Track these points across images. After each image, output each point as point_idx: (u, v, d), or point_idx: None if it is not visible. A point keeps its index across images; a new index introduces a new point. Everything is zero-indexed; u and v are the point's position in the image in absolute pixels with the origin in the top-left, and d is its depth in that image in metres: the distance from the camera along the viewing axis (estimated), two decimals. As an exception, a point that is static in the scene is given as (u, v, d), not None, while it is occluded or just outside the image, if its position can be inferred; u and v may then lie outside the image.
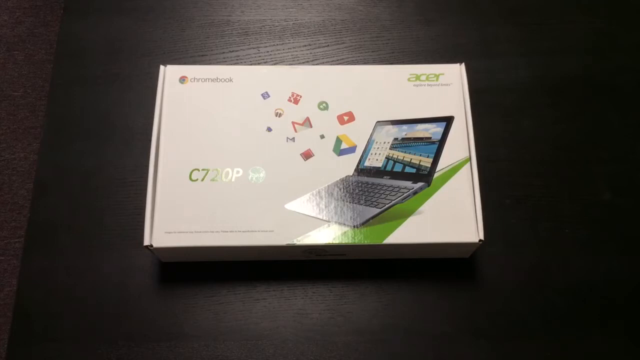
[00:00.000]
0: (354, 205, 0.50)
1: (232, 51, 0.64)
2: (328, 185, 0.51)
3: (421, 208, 0.50)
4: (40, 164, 0.58)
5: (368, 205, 0.50)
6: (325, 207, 0.50)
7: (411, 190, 0.50)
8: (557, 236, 0.56)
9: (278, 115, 0.53)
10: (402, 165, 0.52)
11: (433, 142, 0.52)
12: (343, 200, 0.50)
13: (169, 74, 0.55)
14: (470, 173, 0.51)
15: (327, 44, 0.64)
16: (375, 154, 0.52)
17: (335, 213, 0.50)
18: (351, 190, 0.51)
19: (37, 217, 0.56)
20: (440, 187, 0.50)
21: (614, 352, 0.52)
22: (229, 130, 0.53)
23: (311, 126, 0.53)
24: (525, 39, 0.64)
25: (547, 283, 0.54)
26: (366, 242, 0.49)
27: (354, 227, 0.49)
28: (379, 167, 0.52)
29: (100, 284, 0.54)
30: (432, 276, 0.54)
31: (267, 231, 0.49)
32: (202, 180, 0.51)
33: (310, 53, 0.64)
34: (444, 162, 0.51)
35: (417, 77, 0.55)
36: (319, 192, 0.50)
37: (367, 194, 0.51)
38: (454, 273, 0.54)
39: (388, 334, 0.52)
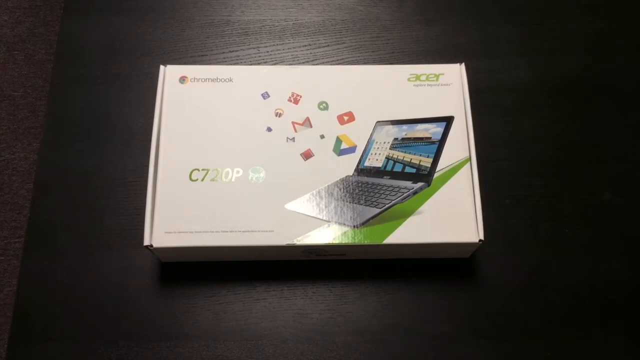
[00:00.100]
0: (354, 205, 0.50)
1: (232, 51, 0.64)
2: (328, 185, 0.51)
3: (421, 208, 0.50)
4: (40, 164, 0.58)
5: (368, 205, 0.50)
6: (325, 207, 0.50)
7: (411, 190, 0.50)
8: (557, 236, 0.56)
9: (278, 115, 0.53)
10: (402, 165, 0.52)
11: (433, 142, 0.52)
12: (343, 200, 0.50)
13: (169, 74, 0.55)
14: (470, 173, 0.51)
15: (327, 44, 0.64)
16: (375, 154, 0.52)
17: (335, 213, 0.50)
18: (351, 190, 0.51)
19: (37, 217, 0.56)
20: (440, 187, 0.50)
21: (614, 352, 0.52)
22: (229, 130, 0.53)
23: (311, 126, 0.53)
24: (525, 39, 0.64)
25: (547, 283, 0.54)
26: (366, 242, 0.49)
27: (354, 227, 0.49)
28: (379, 167, 0.52)
29: (100, 284, 0.54)
30: (432, 276, 0.54)
31: (267, 231, 0.49)
32: (202, 180, 0.51)
33: (310, 53, 0.64)
34: (444, 162, 0.51)
35: (417, 77, 0.55)
36: (319, 192, 0.50)
37: (367, 194, 0.51)
38: (454, 273, 0.54)
39: (388, 334, 0.52)
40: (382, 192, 0.51)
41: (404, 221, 0.49)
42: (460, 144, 0.52)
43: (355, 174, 0.52)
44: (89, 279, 0.54)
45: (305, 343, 0.52)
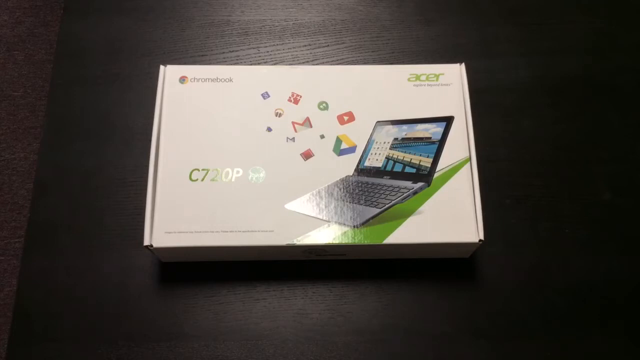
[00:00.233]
0: (354, 205, 0.50)
1: (232, 51, 0.64)
2: (328, 185, 0.51)
3: (421, 208, 0.50)
4: (40, 164, 0.58)
5: (368, 205, 0.50)
6: (325, 207, 0.50)
7: (411, 190, 0.50)
8: (557, 236, 0.56)
9: (278, 115, 0.53)
10: (402, 165, 0.52)
11: (433, 142, 0.52)
12: (343, 200, 0.50)
13: (169, 74, 0.55)
14: (470, 173, 0.51)
15: (327, 44, 0.64)
16: (375, 154, 0.52)
17: (335, 213, 0.50)
18: (351, 190, 0.51)
19: (37, 217, 0.56)
20: (440, 187, 0.50)
21: (614, 352, 0.52)
22: (229, 130, 0.53)
23: (311, 126, 0.53)
24: (525, 39, 0.64)
25: (547, 283, 0.54)
26: (366, 242, 0.49)
27: (354, 227, 0.49)
28: (379, 167, 0.52)
29: (100, 284, 0.54)
30: (432, 276, 0.54)
31: (267, 231, 0.49)
32: (202, 180, 0.51)
33: (310, 53, 0.64)
34: (444, 162, 0.51)
35: (417, 77, 0.55)
36: (319, 192, 0.50)
37: (367, 194, 0.51)
38: (454, 273, 0.54)
39: (388, 334, 0.52)
40: (382, 192, 0.51)
41: (404, 221, 0.49)
42: (460, 144, 0.52)
43: (355, 174, 0.52)
44: (89, 279, 0.54)
45: (305, 343, 0.52)
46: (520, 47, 0.64)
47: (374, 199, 0.50)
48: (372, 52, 0.64)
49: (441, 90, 0.54)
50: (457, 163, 0.51)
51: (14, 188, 1.12)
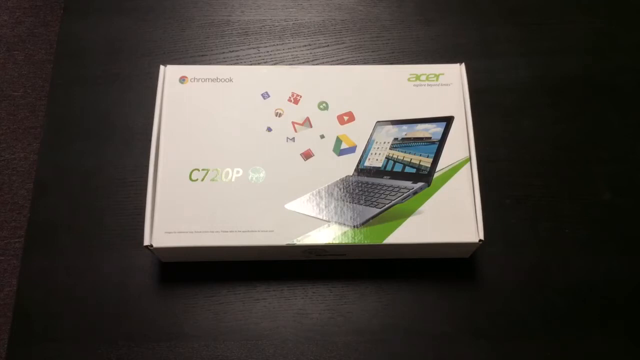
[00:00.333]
0: (354, 205, 0.50)
1: (232, 51, 0.64)
2: (328, 185, 0.51)
3: (421, 208, 0.50)
4: (40, 164, 0.58)
5: (368, 205, 0.50)
6: (325, 207, 0.50)
7: (411, 190, 0.50)
8: (557, 236, 0.56)
9: (278, 115, 0.53)
10: (402, 165, 0.52)
11: (433, 142, 0.52)
12: (343, 200, 0.50)
13: (169, 74, 0.55)
14: (470, 173, 0.51)
15: (327, 44, 0.64)
16: (375, 154, 0.52)
17: (335, 213, 0.50)
18: (351, 190, 0.51)
19: (37, 217, 0.56)
20: (440, 187, 0.50)
21: (614, 352, 0.52)
22: (229, 130, 0.53)
23: (311, 126, 0.53)
24: (525, 39, 0.64)
25: (547, 283, 0.54)
26: (366, 242, 0.49)
27: (354, 227, 0.49)
28: (379, 167, 0.52)
29: (100, 284, 0.54)
30: (432, 276, 0.54)
31: (267, 231, 0.49)
32: (202, 180, 0.51)
33: (310, 53, 0.64)
34: (444, 162, 0.51)
35: (417, 77, 0.55)
36: (319, 192, 0.50)
37: (367, 194, 0.51)
38: (454, 273, 0.54)
39: (388, 334, 0.52)
40: (382, 192, 0.51)
41: (404, 221, 0.49)
42: (460, 144, 0.52)
43: (355, 174, 0.52)
44: (89, 279, 0.54)
45: (305, 343, 0.52)
46: (520, 47, 0.64)
47: (374, 199, 0.50)
48: (372, 52, 0.64)
49: (441, 90, 0.54)
50: (457, 163, 0.51)
51: (14, 188, 1.12)
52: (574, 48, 0.64)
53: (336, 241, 0.49)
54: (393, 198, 0.50)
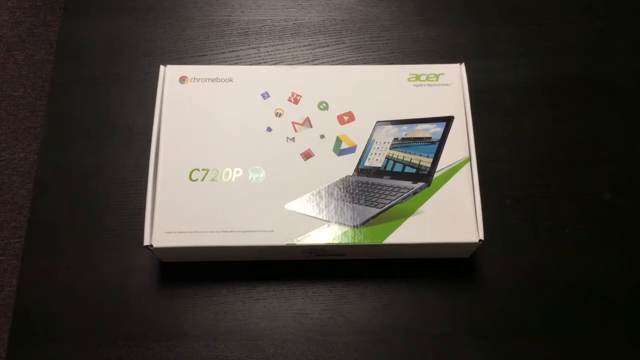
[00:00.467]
0: (354, 205, 0.50)
1: (232, 51, 0.64)
2: (328, 185, 0.51)
3: (421, 208, 0.50)
4: (40, 164, 0.58)
5: (368, 205, 0.50)
6: (325, 207, 0.50)
7: (411, 190, 0.50)
8: (557, 236, 0.56)
9: (278, 115, 0.53)
10: (402, 165, 0.52)
11: (433, 142, 0.52)
12: (343, 200, 0.50)
13: (169, 74, 0.55)
14: (470, 173, 0.51)
15: (327, 44, 0.64)
16: (375, 154, 0.52)
17: (335, 213, 0.50)
18: (351, 190, 0.51)
19: (37, 217, 0.56)
20: (440, 187, 0.50)
21: (614, 352, 0.52)
22: (229, 130, 0.53)
23: (311, 126, 0.53)
24: (525, 39, 0.64)
25: (547, 283, 0.54)
26: (366, 242, 0.49)
27: (354, 227, 0.49)
28: (379, 167, 0.52)
29: (100, 284, 0.54)
30: (432, 276, 0.54)
31: (267, 231, 0.49)
32: (202, 180, 0.51)
33: (310, 53, 0.64)
34: (444, 162, 0.51)
35: (417, 77, 0.55)
36: (319, 192, 0.50)
37: (367, 194, 0.51)
38: (454, 273, 0.54)
39: (388, 334, 0.52)
40: (382, 192, 0.51)
41: (404, 221, 0.49)
42: (460, 144, 0.52)
43: (355, 174, 0.52)
44: (89, 279, 0.54)
45: (305, 343, 0.52)
46: (520, 47, 0.64)
47: (374, 199, 0.50)
48: (372, 52, 0.64)
49: (441, 90, 0.54)
50: (457, 163, 0.51)
51: (14, 188, 1.12)
52: (574, 48, 0.64)
53: (336, 241, 0.49)
54: (393, 198, 0.50)
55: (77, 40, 0.64)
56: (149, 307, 0.53)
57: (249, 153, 0.52)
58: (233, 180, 0.51)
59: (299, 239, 0.49)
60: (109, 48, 0.63)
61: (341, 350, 0.52)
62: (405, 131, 0.53)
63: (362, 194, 0.51)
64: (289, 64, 0.63)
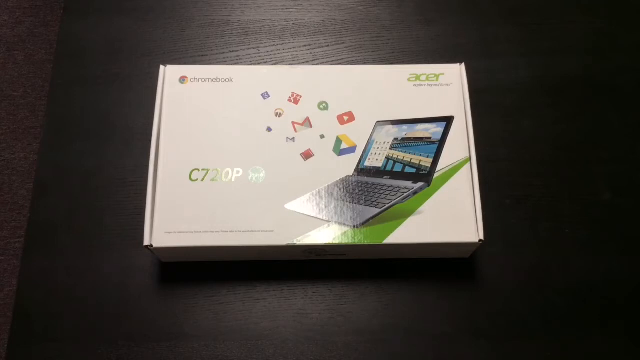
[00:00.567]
0: (354, 205, 0.50)
1: (232, 51, 0.64)
2: (328, 185, 0.51)
3: (421, 208, 0.50)
4: (40, 164, 0.58)
5: (368, 205, 0.50)
6: (325, 207, 0.50)
7: (411, 190, 0.50)
8: (557, 236, 0.56)
9: (278, 115, 0.53)
10: (402, 165, 0.52)
11: (433, 142, 0.52)
12: (343, 200, 0.50)
13: (169, 74, 0.55)
14: (470, 173, 0.51)
15: (327, 44, 0.64)
16: (375, 154, 0.52)
17: (335, 213, 0.50)
18: (351, 190, 0.51)
19: (37, 217, 0.56)
20: (440, 187, 0.50)
21: (614, 352, 0.52)
22: (229, 130, 0.53)
23: (311, 126, 0.53)
24: (525, 39, 0.64)
25: (547, 283, 0.54)
26: (366, 242, 0.49)
27: (354, 227, 0.49)
28: (379, 167, 0.52)
29: (100, 284, 0.54)
30: (432, 276, 0.54)
31: (267, 231, 0.49)
32: (202, 180, 0.51)
33: (310, 53, 0.64)
34: (444, 162, 0.51)
35: (417, 77, 0.55)
36: (319, 192, 0.50)
37: (367, 194, 0.51)
38: (454, 273, 0.54)
39: (388, 334, 0.52)
40: (382, 192, 0.51)
41: (404, 221, 0.49)
42: (460, 144, 0.52)
43: (355, 174, 0.52)
44: (89, 279, 0.54)
45: (305, 343, 0.52)
46: (520, 47, 0.64)
47: (374, 199, 0.50)
48: (372, 52, 0.64)
49: (441, 90, 0.54)
50: (457, 163, 0.51)
51: (14, 188, 1.12)
52: (574, 48, 0.64)
53: (336, 241, 0.49)
54: (393, 198, 0.50)
55: (77, 40, 0.64)
56: (149, 307, 0.53)
57: (249, 153, 0.52)
58: (233, 180, 0.51)
59: (299, 239, 0.49)
60: (109, 48, 0.63)
61: (341, 350, 0.52)
62: (405, 131, 0.53)
63: (362, 194, 0.51)
64: (289, 64, 0.63)
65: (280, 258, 0.54)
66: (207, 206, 0.50)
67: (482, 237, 0.49)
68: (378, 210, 0.49)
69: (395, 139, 0.53)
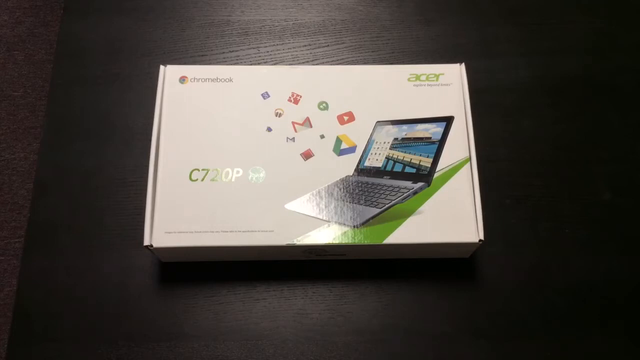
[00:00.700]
0: (354, 205, 0.50)
1: (232, 51, 0.64)
2: (328, 185, 0.51)
3: (421, 208, 0.50)
4: (40, 164, 0.58)
5: (368, 205, 0.50)
6: (325, 207, 0.50)
7: (411, 190, 0.50)
8: (557, 236, 0.56)
9: (278, 115, 0.53)
10: (402, 165, 0.52)
11: (433, 142, 0.52)
12: (343, 200, 0.50)
13: (169, 74, 0.55)
14: (470, 173, 0.51)
15: (327, 44, 0.64)
16: (375, 154, 0.52)
17: (335, 213, 0.50)
18: (351, 190, 0.51)
19: (37, 217, 0.56)
20: (440, 187, 0.50)
21: (614, 352, 0.52)
22: (229, 130, 0.53)
23: (311, 126, 0.53)
24: (525, 39, 0.64)
25: (547, 283, 0.54)
26: (366, 242, 0.49)
27: (354, 227, 0.49)
28: (379, 167, 0.52)
29: (100, 284, 0.54)
30: (432, 276, 0.54)
31: (267, 231, 0.49)
32: (202, 180, 0.51)
33: (310, 53, 0.64)
34: (444, 162, 0.51)
35: (417, 77, 0.55)
36: (319, 192, 0.50)
37: (367, 194, 0.51)
38: (454, 273, 0.54)
39: (388, 334, 0.52)
40: (382, 192, 0.51)
41: (404, 221, 0.49)
42: (460, 144, 0.52)
43: (355, 174, 0.52)
44: (89, 279, 0.54)
45: (305, 343, 0.52)
46: (520, 47, 0.64)
47: (374, 199, 0.50)
48: (372, 52, 0.64)
49: (441, 90, 0.54)
50: (457, 163, 0.51)
51: (14, 188, 1.12)
52: (574, 48, 0.64)
53: (336, 241, 0.49)
54: (393, 198, 0.50)
55: (77, 40, 0.64)
56: (149, 307, 0.53)
57: (249, 153, 0.52)
58: (233, 180, 0.51)
59: (299, 239, 0.49)
60: (109, 48, 0.63)
61: (341, 350, 0.52)
62: (405, 131, 0.53)
63: (362, 194, 0.51)
64: (289, 64, 0.63)
65: (280, 258, 0.54)
66: (207, 206, 0.50)
67: (482, 237, 0.49)
68: (378, 210, 0.49)
69: (395, 139, 0.53)
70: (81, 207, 0.56)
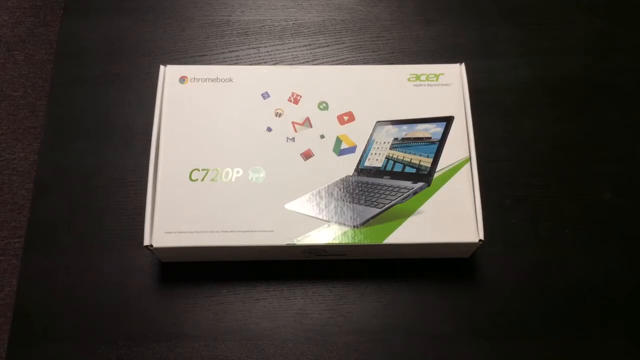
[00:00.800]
0: (354, 205, 0.50)
1: (232, 51, 0.64)
2: (328, 185, 0.51)
3: (421, 208, 0.50)
4: (40, 164, 0.58)
5: (368, 205, 0.50)
6: (325, 207, 0.50)
7: (411, 190, 0.50)
8: (557, 236, 0.56)
9: (278, 115, 0.53)
10: (402, 165, 0.52)
11: (433, 142, 0.52)
12: (343, 200, 0.50)
13: (169, 74, 0.55)
14: (470, 173, 0.51)
15: (327, 44, 0.64)
16: (375, 154, 0.52)
17: (335, 213, 0.50)
18: (351, 190, 0.51)
19: (37, 217, 0.56)
20: (440, 187, 0.50)
21: (614, 352, 0.52)
22: (229, 130, 0.53)
23: (311, 126, 0.53)
24: (525, 39, 0.64)
25: (547, 283, 0.54)
26: (366, 242, 0.49)
27: (354, 227, 0.49)
28: (379, 167, 0.52)
29: (100, 284, 0.54)
30: (432, 276, 0.54)
31: (267, 231, 0.49)
32: (202, 180, 0.51)
33: (310, 53, 0.64)
34: (444, 162, 0.51)
35: (417, 77, 0.55)
36: (319, 192, 0.50)
37: (367, 194, 0.51)
38: (454, 273, 0.54)
39: (388, 334, 0.52)
40: (382, 192, 0.51)
41: (404, 221, 0.49)
42: (460, 144, 0.52)
43: (355, 174, 0.52)
44: (89, 279, 0.54)
45: (305, 343, 0.52)
46: (520, 47, 0.64)
47: (374, 199, 0.50)
48: (372, 52, 0.64)
49: (441, 90, 0.54)
50: (457, 163, 0.51)
51: (14, 188, 1.12)
52: (574, 48, 0.64)
53: (336, 241, 0.49)
54: (393, 198, 0.50)
55: (77, 40, 0.64)
56: (149, 307, 0.53)
57: (249, 153, 0.52)
58: (233, 180, 0.51)
59: (299, 239, 0.49)
60: (109, 48, 0.63)
61: (341, 350, 0.52)
62: (405, 131, 0.53)
63: (362, 194, 0.51)
64: (289, 64, 0.63)
65: (280, 258, 0.54)
66: (207, 206, 0.50)
67: (482, 237, 0.49)
68: (378, 210, 0.49)
69: (395, 139, 0.53)
70: (81, 207, 0.56)
